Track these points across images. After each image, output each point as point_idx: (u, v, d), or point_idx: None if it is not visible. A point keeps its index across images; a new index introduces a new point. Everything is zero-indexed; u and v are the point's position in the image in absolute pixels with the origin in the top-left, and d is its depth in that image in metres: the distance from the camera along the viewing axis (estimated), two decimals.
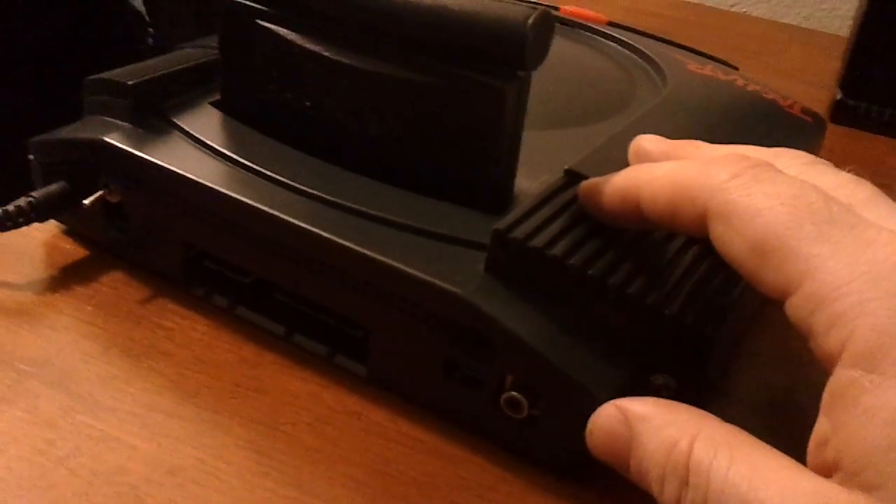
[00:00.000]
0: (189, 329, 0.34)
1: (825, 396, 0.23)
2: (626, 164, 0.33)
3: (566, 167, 0.32)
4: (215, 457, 0.29)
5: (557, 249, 0.29)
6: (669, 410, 0.26)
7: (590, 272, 0.28)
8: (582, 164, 0.32)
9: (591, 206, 0.30)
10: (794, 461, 0.23)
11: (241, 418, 0.30)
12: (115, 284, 0.35)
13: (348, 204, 0.31)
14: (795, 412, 0.34)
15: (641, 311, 0.28)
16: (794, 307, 0.24)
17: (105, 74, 0.36)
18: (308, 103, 0.34)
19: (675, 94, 0.40)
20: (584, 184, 0.30)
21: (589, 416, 0.28)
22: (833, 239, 0.23)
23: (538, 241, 0.29)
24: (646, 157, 0.31)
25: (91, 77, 0.37)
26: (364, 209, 0.31)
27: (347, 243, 0.30)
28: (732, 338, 0.33)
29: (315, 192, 0.32)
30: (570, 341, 0.28)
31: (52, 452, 0.28)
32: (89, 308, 0.34)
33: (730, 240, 0.25)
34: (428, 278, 0.29)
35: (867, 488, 0.21)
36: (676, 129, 0.37)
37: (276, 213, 0.31)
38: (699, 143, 0.31)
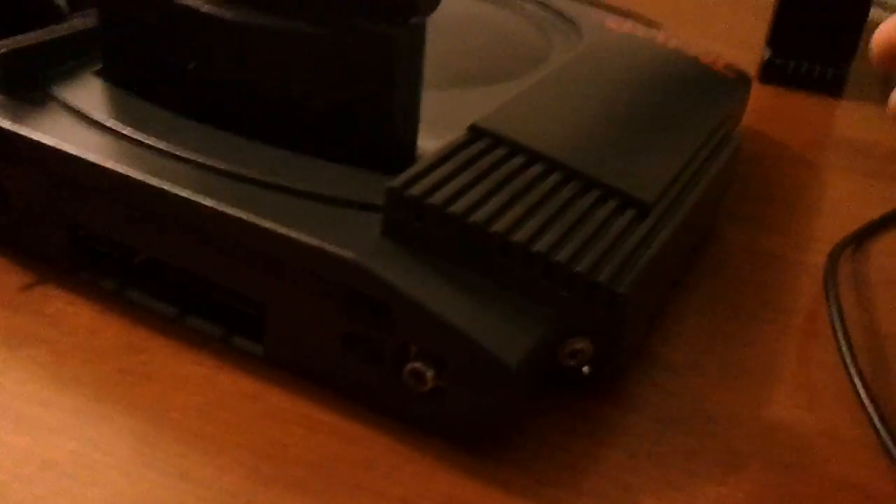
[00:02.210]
0: (73, 315, 0.31)
1: None
2: (535, 121, 0.31)
3: (471, 123, 0.30)
4: (93, 448, 0.26)
5: (458, 207, 0.27)
6: None
7: (493, 229, 0.26)
8: (488, 120, 0.30)
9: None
10: None
11: (125, 406, 0.28)
12: None
13: (238, 171, 0.29)
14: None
15: (550, 270, 0.27)
16: None
17: None
18: (192, 65, 0.31)
19: (591, 51, 0.38)
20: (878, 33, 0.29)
21: (500, 384, 0.26)
22: None
23: (436, 198, 0.27)
24: None
25: None
26: (254, 176, 0.29)
27: (236, 212, 0.28)
28: (651, 298, 0.32)
29: (203, 160, 0.29)
30: (475, 306, 0.26)
31: None
32: None
33: None
34: (320, 244, 0.26)
35: None
36: (591, 86, 0.35)
37: (161, 185, 0.29)
38: None
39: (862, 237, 0.41)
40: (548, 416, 0.29)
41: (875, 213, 0.42)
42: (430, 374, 0.26)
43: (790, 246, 0.40)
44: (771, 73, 0.55)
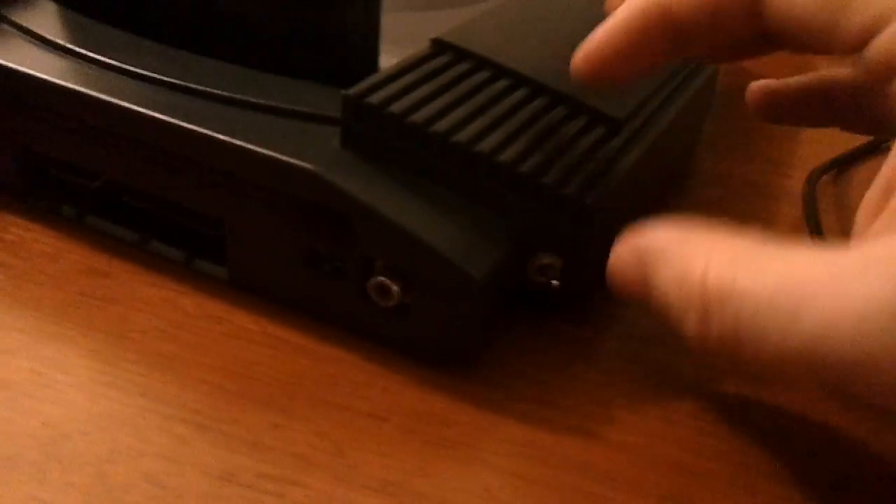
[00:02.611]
0: (32, 241, 0.30)
1: None
2: (500, 37, 0.31)
3: (433, 37, 0.29)
4: (52, 368, 0.26)
5: (418, 116, 0.26)
6: (682, 237, 0.23)
7: (455, 139, 0.26)
8: (451, 34, 0.30)
9: (598, 56, 0.26)
10: (824, 249, 0.20)
11: (86, 328, 0.27)
12: None
13: (194, 86, 0.28)
14: None
15: (517, 182, 0.26)
16: (882, 47, 0.21)
17: None
18: None
19: None
20: (582, 53, 0.26)
21: (465, 298, 0.25)
22: None
23: (396, 107, 0.26)
24: None
25: None
26: (211, 90, 0.28)
27: (192, 126, 0.27)
28: (622, 216, 0.31)
29: (158, 76, 0.29)
30: (439, 218, 0.26)
31: None
32: None
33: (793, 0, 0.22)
34: (278, 156, 0.26)
35: None
36: (556, 7, 0.34)
37: (115, 100, 0.28)
38: None
39: (843, 163, 0.40)
40: (518, 334, 0.29)
41: (857, 141, 0.41)
42: (394, 288, 0.26)
43: (769, 173, 0.39)
44: None
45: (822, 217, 0.36)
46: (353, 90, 0.26)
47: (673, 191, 0.38)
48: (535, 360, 0.28)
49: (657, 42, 0.25)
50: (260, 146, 0.26)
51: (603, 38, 0.25)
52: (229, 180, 0.27)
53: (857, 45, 0.22)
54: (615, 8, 0.27)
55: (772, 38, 0.25)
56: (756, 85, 0.32)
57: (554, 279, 0.27)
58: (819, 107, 0.31)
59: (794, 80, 0.32)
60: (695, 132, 0.40)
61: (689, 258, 0.22)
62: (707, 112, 0.41)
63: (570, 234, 0.27)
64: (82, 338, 0.27)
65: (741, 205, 0.37)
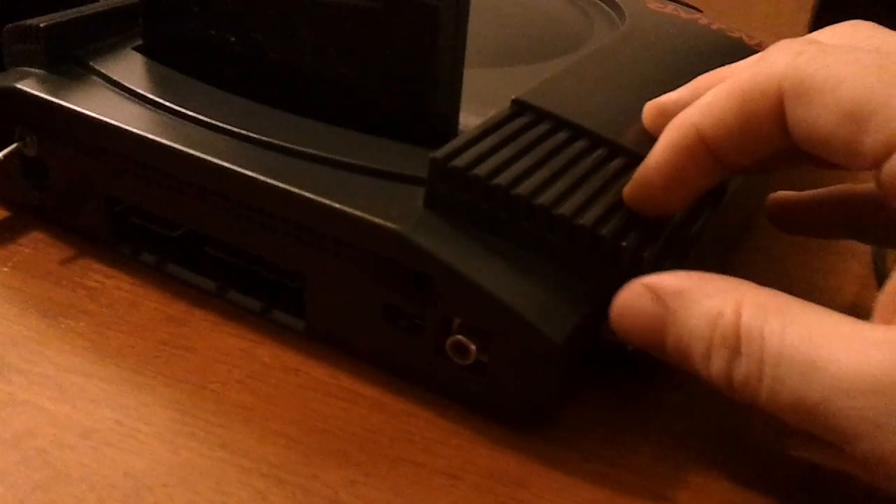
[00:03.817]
0: (113, 288, 0.31)
1: None
2: (579, 97, 0.31)
3: (513, 97, 0.30)
4: (134, 418, 0.26)
5: (502, 179, 0.26)
6: (705, 281, 0.24)
7: (538, 202, 0.26)
8: (531, 94, 0.30)
9: (645, 193, 0.27)
10: (851, 317, 0.22)
11: (166, 378, 0.28)
12: (35, 245, 0.33)
13: (279, 143, 0.29)
14: None
15: (595, 244, 0.26)
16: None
17: (24, 21, 0.34)
18: (233, 38, 0.31)
19: (634, 30, 0.37)
20: (631, 186, 0.27)
21: (545, 361, 0.25)
22: None
23: (480, 170, 0.26)
24: (672, 108, 0.28)
25: (9, 25, 0.34)
26: (295, 147, 0.29)
27: (278, 183, 0.27)
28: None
29: (244, 131, 0.29)
30: (520, 279, 0.26)
31: None
32: (5, 269, 0.31)
33: (815, 116, 0.23)
34: (362, 215, 0.26)
35: None
36: (635, 63, 0.34)
37: (202, 155, 0.28)
38: (715, 71, 0.28)
39: None
40: (591, 394, 0.29)
41: None
42: (472, 347, 0.26)
43: None
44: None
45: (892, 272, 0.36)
46: (440, 153, 0.26)
47: (739, 245, 0.37)
48: (606, 419, 0.28)
49: (697, 167, 0.26)
50: (345, 205, 0.26)
51: (647, 172, 0.26)
52: (311, 236, 0.27)
53: (876, 161, 0.23)
54: (650, 121, 0.29)
55: (801, 152, 0.25)
56: (774, 196, 0.34)
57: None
58: (835, 220, 0.32)
59: (812, 193, 0.33)
60: (764, 189, 0.40)
61: (722, 300, 0.23)
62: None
63: None
64: (163, 387, 0.27)
65: (809, 261, 0.37)
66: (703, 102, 0.26)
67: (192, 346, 0.29)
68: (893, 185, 0.23)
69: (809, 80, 0.23)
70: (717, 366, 0.23)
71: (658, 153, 0.26)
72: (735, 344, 0.23)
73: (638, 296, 0.25)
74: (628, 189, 0.27)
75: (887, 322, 0.22)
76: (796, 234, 0.34)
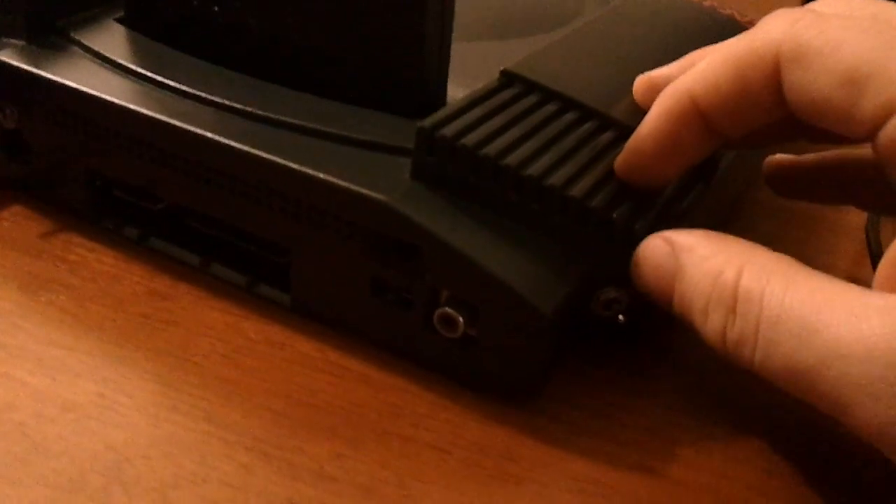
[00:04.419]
0: (95, 262, 0.30)
1: None
2: (569, 69, 0.31)
3: (502, 68, 0.29)
4: (116, 391, 0.26)
5: (491, 149, 0.26)
6: (716, 240, 0.25)
7: (527, 173, 0.26)
8: (520, 66, 0.30)
9: (637, 163, 0.26)
10: (854, 285, 0.22)
11: (149, 351, 0.27)
12: (14, 219, 0.32)
13: (263, 113, 0.28)
14: None
15: (585, 216, 0.26)
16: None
17: None
18: (216, 8, 0.30)
19: (625, 5, 0.37)
20: (623, 156, 0.26)
21: (534, 333, 0.25)
22: None
23: (468, 139, 0.26)
24: (663, 83, 0.27)
25: None
26: (280, 118, 0.28)
27: (263, 153, 0.27)
28: None
29: (228, 102, 0.29)
30: (509, 251, 0.26)
31: None
32: None
33: (812, 80, 0.23)
34: (349, 186, 0.26)
35: None
36: (625, 37, 0.34)
37: (186, 126, 0.28)
38: (707, 48, 0.28)
39: None
40: (582, 366, 0.28)
41: None
42: (460, 320, 0.26)
43: (828, 207, 0.39)
44: None
45: (885, 248, 0.35)
46: (427, 122, 0.26)
47: (731, 224, 0.37)
48: (597, 391, 0.28)
49: (691, 136, 0.26)
50: (331, 176, 0.26)
51: (639, 141, 0.26)
52: (297, 208, 0.27)
53: (873, 125, 0.23)
54: (640, 94, 0.28)
55: (795, 124, 0.25)
56: (771, 160, 0.33)
57: (620, 313, 0.27)
58: (833, 185, 0.32)
59: (809, 157, 0.32)
60: (755, 166, 0.40)
61: (726, 259, 0.24)
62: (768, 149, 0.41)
63: None
64: (145, 361, 0.27)
65: (802, 238, 0.37)
66: (697, 69, 0.25)
67: (176, 319, 0.28)
68: (890, 151, 0.22)
69: (807, 44, 0.23)
70: (712, 323, 0.24)
71: (651, 121, 0.26)
72: (731, 303, 0.23)
73: (655, 247, 0.25)
74: (620, 159, 0.26)
75: (889, 290, 0.22)
76: (793, 197, 0.34)
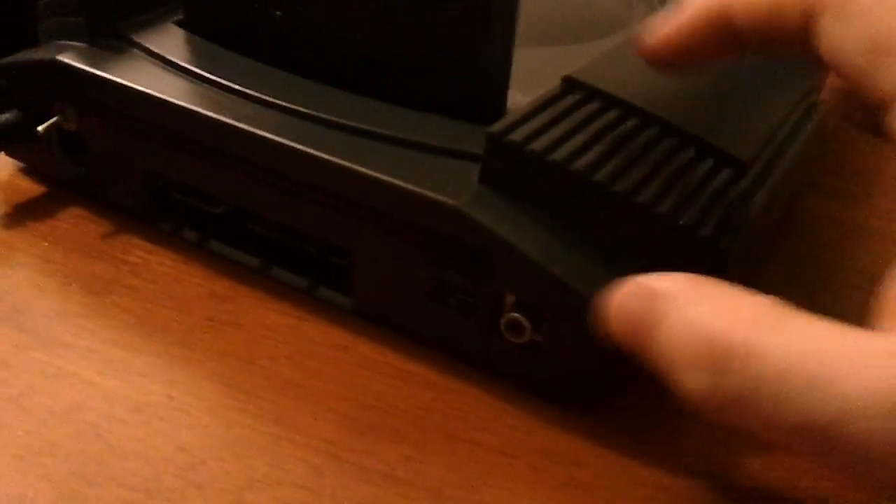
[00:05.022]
0: (156, 264, 0.31)
1: None
2: (628, 76, 0.31)
3: (564, 75, 0.29)
4: (185, 392, 0.26)
5: (559, 154, 0.26)
6: (699, 285, 0.22)
7: (595, 178, 0.26)
8: (582, 73, 0.30)
9: (660, 52, 0.27)
10: (855, 327, 0.20)
11: (214, 353, 0.27)
12: (75, 220, 0.32)
13: (327, 117, 0.28)
14: None
15: (652, 222, 0.26)
16: None
17: None
18: (278, 12, 0.31)
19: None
20: (655, 30, 0.27)
21: (601, 336, 0.25)
22: None
23: (537, 145, 0.26)
24: None
25: (44, 0, 0.33)
26: (344, 121, 0.28)
27: (328, 156, 0.27)
28: (747, 259, 0.31)
29: (291, 105, 0.29)
30: (576, 256, 0.26)
31: (3, 391, 0.25)
32: (46, 244, 0.31)
33: (841, 36, 0.23)
34: (417, 190, 0.26)
35: None
36: None
37: (250, 128, 0.28)
38: None
39: None
40: (647, 374, 0.28)
41: None
42: (528, 325, 0.26)
43: (876, 217, 0.39)
44: None
45: None
46: (496, 128, 0.26)
47: (782, 233, 0.37)
48: (660, 399, 0.27)
49: (716, 39, 0.26)
50: (400, 179, 0.26)
51: (670, 30, 0.26)
52: (362, 211, 0.27)
53: (889, 99, 0.22)
54: None
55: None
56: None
57: None
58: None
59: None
60: (805, 175, 0.40)
61: (713, 307, 0.21)
62: (817, 155, 0.41)
63: (703, 274, 0.26)
64: (211, 362, 0.27)
65: (849, 246, 0.37)
66: None
67: (238, 321, 0.29)
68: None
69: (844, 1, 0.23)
70: (698, 380, 0.20)
71: (685, 14, 0.26)
72: (723, 357, 0.20)
73: (630, 294, 0.22)
74: (647, 43, 0.27)
75: (890, 329, 0.20)
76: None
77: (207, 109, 0.29)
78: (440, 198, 0.26)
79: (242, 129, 0.28)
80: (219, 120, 0.28)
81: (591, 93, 0.29)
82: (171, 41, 0.32)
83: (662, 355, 0.21)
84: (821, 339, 0.19)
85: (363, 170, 0.27)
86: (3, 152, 0.34)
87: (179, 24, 0.33)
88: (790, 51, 0.25)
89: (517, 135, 0.26)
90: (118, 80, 0.30)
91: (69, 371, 0.26)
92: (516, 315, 0.26)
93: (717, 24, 0.26)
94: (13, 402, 0.25)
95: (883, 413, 0.18)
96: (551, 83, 0.29)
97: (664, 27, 0.26)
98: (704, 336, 0.20)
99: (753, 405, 0.20)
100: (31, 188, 0.34)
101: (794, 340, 0.19)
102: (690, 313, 0.21)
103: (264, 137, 0.28)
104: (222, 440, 0.24)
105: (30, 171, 0.35)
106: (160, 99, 0.29)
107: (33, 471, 0.23)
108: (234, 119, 0.28)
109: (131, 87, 0.30)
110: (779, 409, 0.19)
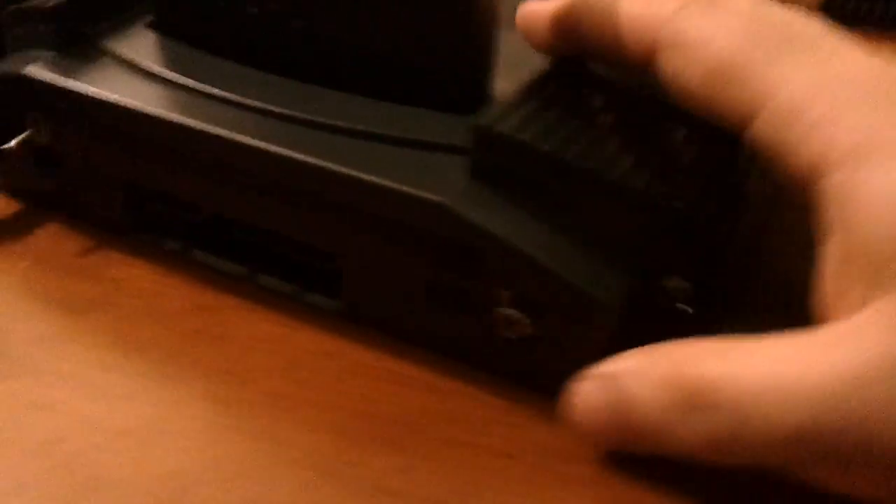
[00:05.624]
0: (138, 278, 0.30)
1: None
2: None
3: (553, 60, 0.28)
4: (173, 413, 0.25)
5: (550, 144, 0.25)
6: (650, 352, 0.23)
7: (588, 166, 0.25)
8: (569, 58, 0.29)
9: (526, 29, 0.28)
10: (797, 333, 0.21)
11: (203, 369, 0.26)
12: (52, 237, 0.31)
13: (308, 117, 0.27)
14: None
15: (647, 207, 0.25)
16: (761, 130, 0.23)
17: (29, 2, 0.32)
18: (254, 8, 0.30)
19: None
20: (522, 8, 0.28)
21: (596, 328, 0.24)
22: (795, 56, 0.23)
23: (527, 134, 0.25)
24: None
25: (12, 6, 0.32)
26: (325, 120, 0.27)
27: (311, 159, 0.26)
28: (747, 237, 0.30)
29: (270, 107, 0.28)
30: (570, 246, 0.25)
31: None
32: (24, 264, 0.30)
33: (681, 70, 0.24)
34: (404, 189, 0.25)
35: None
36: None
37: (229, 134, 0.27)
38: None
39: None
40: None
41: None
42: (524, 320, 0.25)
43: None
44: (832, 8, 0.52)
45: None
46: (483, 120, 0.25)
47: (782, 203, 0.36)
48: None
49: (568, 39, 0.27)
50: (384, 179, 0.25)
51: (536, 10, 0.27)
52: (349, 213, 0.26)
53: (739, 125, 0.23)
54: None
55: None
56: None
57: (682, 304, 0.26)
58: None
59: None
60: None
61: (671, 363, 0.22)
62: None
63: (701, 259, 0.26)
64: (199, 379, 0.26)
65: None
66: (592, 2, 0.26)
67: (226, 334, 0.28)
68: (764, 147, 0.23)
69: (683, 33, 0.24)
70: (687, 428, 0.21)
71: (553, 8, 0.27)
72: (690, 401, 0.21)
73: (594, 388, 0.23)
74: (520, 10, 0.28)
75: (828, 320, 0.22)
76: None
77: (185, 117, 0.28)
78: (427, 195, 0.25)
79: (222, 136, 0.27)
80: (197, 127, 0.27)
81: (580, 77, 0.28)
82: (143, 46, 0.31)
83: (647, 424, 0.22)
84: (774, 355, 0.21)
85: (346, 171, 0.26)
86: None
87: (151, 26, 0.32)
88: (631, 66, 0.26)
89: (506, 125, 0.25)
90: (90, 91, 0.29)
91: (49, 400, 0.25)
92: (511, 311, 0.25)
93: (568, 29, 0.27)
94: None
95: (851, 392, 0.19)
96: (531, 69, 0.28)
97: (529, 12, 0.27)
98: (676, 386, 0.22)
99: (746, 432, 0.21)
100: (3, 205, 0.33)
101: (760, 363, 0.21)
102: (657, 373, 0.22)
103: (244, 143, 0.27)
104: (213, 462, 0.24)
105: (1, 187, 0.33)
106: (136, 109, 0.28)
107: None
108: (213, 125, 0.27)
109: (105, 98, 0.29)
110: (771, 427, 0.20)
